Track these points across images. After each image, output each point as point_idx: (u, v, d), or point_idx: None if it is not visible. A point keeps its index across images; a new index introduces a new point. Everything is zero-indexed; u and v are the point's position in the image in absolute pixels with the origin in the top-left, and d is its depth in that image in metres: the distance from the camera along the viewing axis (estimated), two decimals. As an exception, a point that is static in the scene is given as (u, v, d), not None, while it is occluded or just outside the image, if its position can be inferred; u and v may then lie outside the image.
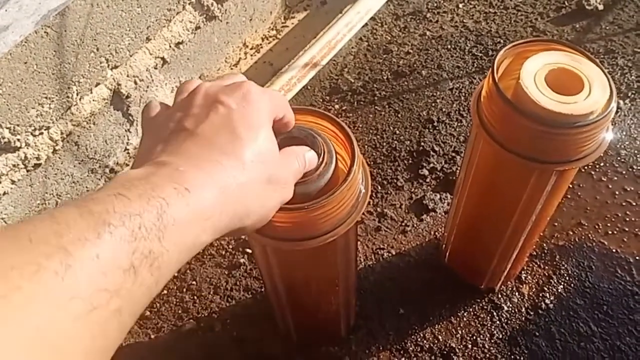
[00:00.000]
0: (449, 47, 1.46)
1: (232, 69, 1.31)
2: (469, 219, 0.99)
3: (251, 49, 1.35)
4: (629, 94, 1.35)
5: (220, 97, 0.49)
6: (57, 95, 0.95)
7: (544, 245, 1.14)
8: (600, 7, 1.51)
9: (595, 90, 0.80)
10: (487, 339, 1.04)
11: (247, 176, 0.46)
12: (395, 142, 1.29)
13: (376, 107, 1.36)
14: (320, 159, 0.70)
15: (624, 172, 1.23)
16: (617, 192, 1.20)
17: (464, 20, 1.52)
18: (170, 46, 1.13)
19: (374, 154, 1.28)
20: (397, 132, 1.31)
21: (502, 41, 1.46)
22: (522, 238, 0.95)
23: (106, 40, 0.99)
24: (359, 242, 1.15)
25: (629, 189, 1.20)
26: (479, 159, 0.91)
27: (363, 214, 1.20)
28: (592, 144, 0.82)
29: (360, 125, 1.33)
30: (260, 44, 1.37)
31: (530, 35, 1.47)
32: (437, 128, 1.31)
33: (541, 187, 0.86)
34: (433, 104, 1.35)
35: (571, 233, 1.15)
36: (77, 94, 0.98)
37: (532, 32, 1.48)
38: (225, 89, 0.50)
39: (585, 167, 1.24)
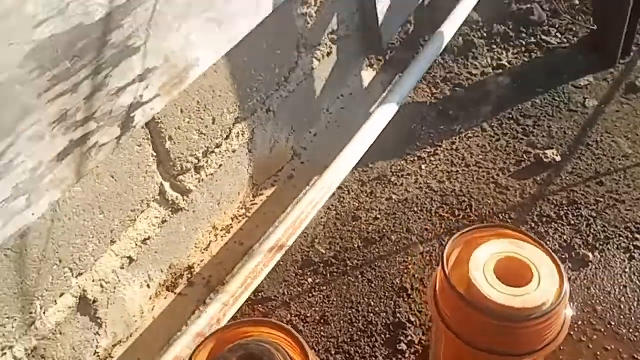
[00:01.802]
0: (416, 209, 1.49)
1: (202, 253, 1.33)
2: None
3: (221, 230, 1.37)
4: (597, 246, 1.36)
5: None
6: (19, 314, 0.95)
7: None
8: (558, 158, 1.56)
9: (545, 279, 0.80)
10: None
11: None
12: (371, 314, 1.28)
13: (349, 277, 1.36)
14: None
15: (602, 329, 1.21)
16: (598, 353, 1.17)
17: (428, 181, 1.56)
18: (136, 244, 1.15)
19: (350, 330, 1.26)
20: (372, 303, 1.30)
21: (466, 200, 1.49)
22: None
23: (69, 251, 1.01)
24: None
25: (609, 348, 1.18)
26: (445, 345, 0.90)
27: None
28: (552, 331, 0.82)
29: (335, 299, 1.32)
30: (230, 225, 1.40)
31: (494, 192, 1.51)
32: (412, 297, 1.30)
33: (508, 376, 0.84)
34: (405, 271, 1.36)
35: (557, 402, 1.11)
36: (41, 308, 0.99)
37: (495, 188, 1.52)
38: None
39: (563, 327, 1.22)
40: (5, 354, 0.95)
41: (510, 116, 1.71)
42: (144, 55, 1.00)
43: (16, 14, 0.79)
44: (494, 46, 1.95)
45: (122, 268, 1.13)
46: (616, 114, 1.68)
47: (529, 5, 2.03)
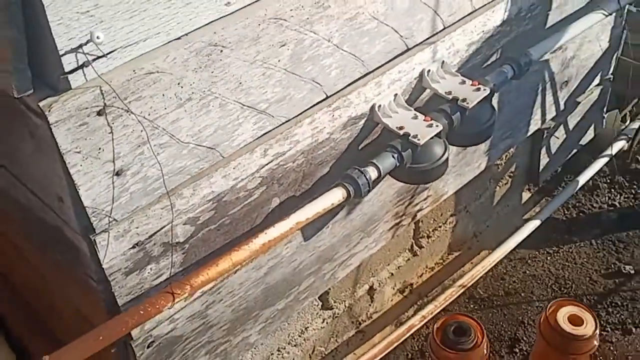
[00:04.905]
0: (539, 282, 2.62)
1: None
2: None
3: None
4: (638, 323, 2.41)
5: None
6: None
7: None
8: (632, 271, 2.61)
9: (589, 325, 1.95)
10: None
11: None
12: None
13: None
14: None
15: (628, 368, 2.27)
16: (621, 379, 2.24)
17: (550, 267, 2.68)
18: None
19: (491, 336, 2.42)
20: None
21: (569, 283, 2.59)
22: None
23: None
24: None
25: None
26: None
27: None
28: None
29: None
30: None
31: (587, 282, 2.59)
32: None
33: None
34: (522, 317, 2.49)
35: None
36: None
37: (589, 280, 2.61)
38: None
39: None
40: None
41: (610, 239, 2.78)
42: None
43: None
44: (612, 190, 3.00)
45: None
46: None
47: (643, 166, 3.06)
